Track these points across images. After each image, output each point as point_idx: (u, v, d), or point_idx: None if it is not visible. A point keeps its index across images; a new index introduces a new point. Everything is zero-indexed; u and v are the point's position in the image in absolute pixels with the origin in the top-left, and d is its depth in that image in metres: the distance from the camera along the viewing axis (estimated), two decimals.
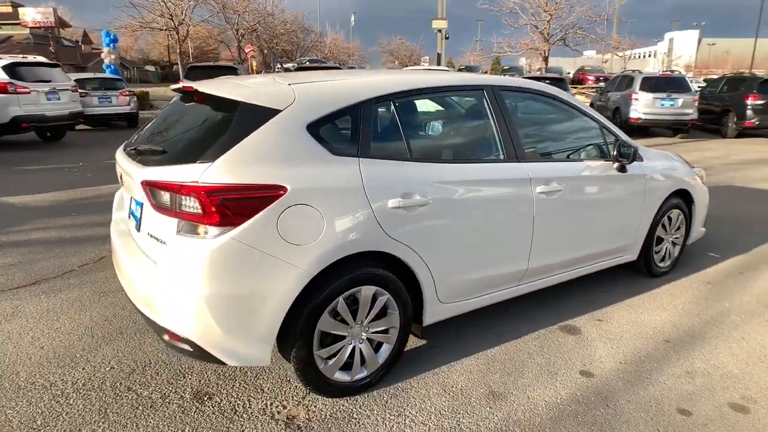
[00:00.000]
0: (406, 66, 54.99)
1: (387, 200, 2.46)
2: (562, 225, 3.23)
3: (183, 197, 2.14)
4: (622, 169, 3.50)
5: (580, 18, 18.62)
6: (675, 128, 13.60)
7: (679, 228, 4.20)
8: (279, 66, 33.98)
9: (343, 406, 2.52)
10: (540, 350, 3.06)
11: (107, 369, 2.80)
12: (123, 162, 2.63)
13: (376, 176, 2.44)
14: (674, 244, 4.21)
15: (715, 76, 14.60)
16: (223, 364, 2.27)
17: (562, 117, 3.43)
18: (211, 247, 2.11)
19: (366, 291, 2.47)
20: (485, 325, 3.30)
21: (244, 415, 2.43)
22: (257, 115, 2.28)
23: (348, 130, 2.49)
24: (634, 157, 3.40)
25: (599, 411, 2.51)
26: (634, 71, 16.54)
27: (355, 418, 2.43)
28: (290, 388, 2.64)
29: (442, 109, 3.00)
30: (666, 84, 13.19)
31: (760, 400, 2.60)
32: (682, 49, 69.50)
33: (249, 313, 2.19)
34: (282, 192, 2.18)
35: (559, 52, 25.37)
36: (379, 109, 2.58)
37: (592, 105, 16.07)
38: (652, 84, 13.11)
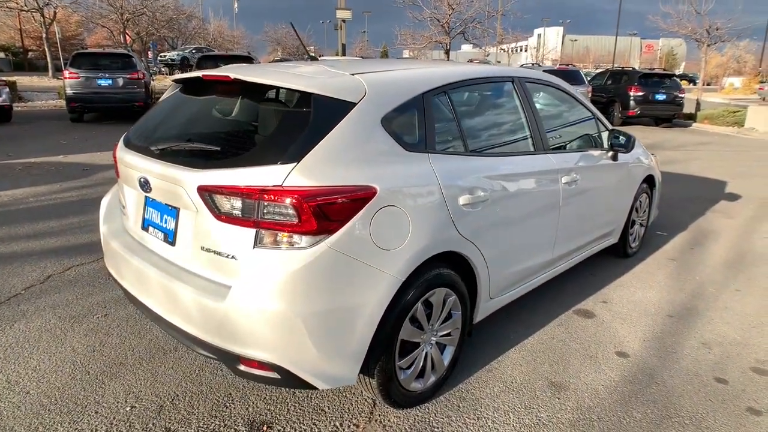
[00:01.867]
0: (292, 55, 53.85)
1: (458, 197, 2.35)
2: (577, 213, 3.34)
3: (267, 204, 1.85)
4: (614, 157, 3.70)
5: (478, 13, 19.58)
6: None
7: (645, 210, 4.56)
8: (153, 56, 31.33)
9: (417, 416, 2.38)
10: (570, 336, 3.14)
11: (128, 410, 2.39)
12: (146, 164, 2.22)
13: (446, 172, 2.32)
14: (641, 225, 4.56)
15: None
16: (313, 388, 2.03)
17: (566, 107, 3.53)
18: (306, 258, 1.86)
19: (438, 294, 2.35)
20: (507, 319, 3.32)
21: None
22: (334, 109, 2.04)
23: (413, 124, 2.33)
24: (633, 146, 3.61)
25: (653, 389, 2.64)
26: (533, 65, 17.64)
27: (438, 428, 2.31)
28: (350, 405, 2.45)
29: (481, 100, 2.94)
30: (563, 77, 14.22)
31: None
32: (548, 44, 75.86)
33: (344, 330, 1.97)
34: (373, 193, 1.98)
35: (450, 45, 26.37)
36: (438, 101, 2.45)
37: None
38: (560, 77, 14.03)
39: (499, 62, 41.12)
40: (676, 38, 75.53)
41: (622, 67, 17.46)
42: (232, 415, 2.36)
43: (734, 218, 5.82)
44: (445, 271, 2.35)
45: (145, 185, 2.25)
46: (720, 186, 7.51)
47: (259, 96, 2.28)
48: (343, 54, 18.50)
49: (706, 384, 2.69)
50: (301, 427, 2.29)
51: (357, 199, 1.94)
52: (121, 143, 2.57)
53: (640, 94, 14.34)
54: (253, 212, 1.88)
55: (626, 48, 73.43)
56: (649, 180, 4.46)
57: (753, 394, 2.62)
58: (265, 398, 2.48)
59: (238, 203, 1.91)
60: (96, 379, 2.61)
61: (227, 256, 1.97)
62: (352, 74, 2.25)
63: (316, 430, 2.28)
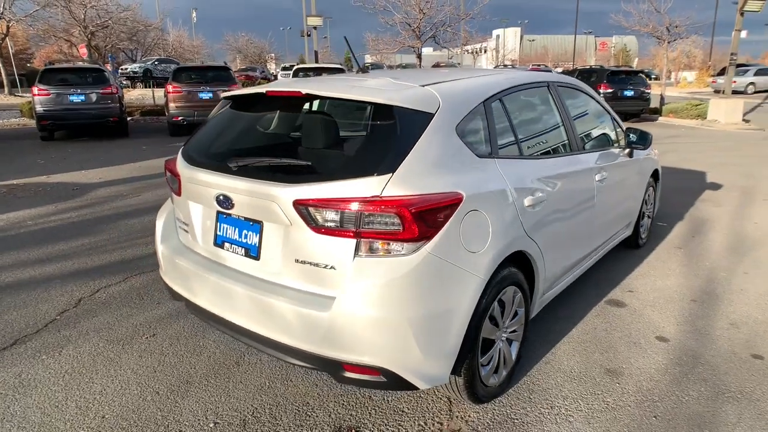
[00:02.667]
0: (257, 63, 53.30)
1: (524, 199, 2.47)
2: (606, 208, 3.53)
3: (369, 214, 1.93)
4: (630, 154, 3.92)
5: (448, 16, 19.95)
6: None
7: (652, 203, 4.81)
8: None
9: (495, 410, 2.49)
10: (610, 325, 3.31)
11: (211, 426, 2.41)
12: (226, 181, 2.26)
13: (511, 176, 2.45)
14: (648, 217, 4.81)
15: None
16: (413, 389, 2.10)
17: (588, 108, 3.72)
18: (410, 264, 1.94)
19: (508, 292, 2.46)
20: (546, 314, 3.46)
21: None
22: (416, 120, 2.14)
23: (479, 131, 2.44)
24: (650, 143, 3.82)
25: (699, 369, 2.83)
26: (498, 66, 17.95)
27: (518, 419, 2.43)
28: (427, 405, 2.54)
29: (527, 105, 3.07)
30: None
31: None
32: (507, 45, 77.60)
33: (443, 330, 2.06)
34: (460, 199, 2.08)
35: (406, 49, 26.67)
36: (495, 108, 2.57)
37: None
38: None
39: (459, 64, 41.80)
40: (628, 35, 78.50)
41: (590, 66, 18.12)
42: (318, 422, 2.41)
43: (722, 206, 6.17)
44: (513, 270, 2.47)
45: (225, 202, 2.28)
46: (700, 176, 7.92)
47: (331, 110, 2.35)
48: (316, 61, 18.53)
49: (745, 361, 2.90)
50: (388, 429, 2.37)
51: (448, 205, 2.04)
52: (182, 161, 2.59)
53: (610, 91, 14.91)
54: (354, 223, 1.95)
55: (582, 46, 75.74)
56: (654, 174, 4.70)
57: None
58: (343, 404, 2.54)
59: (337, 215, 1.98)
60: (168, 398, 2.61)
61: (325, 267, 2.04)
62: (422, 86, 2.35)
63: (404, 429, 2.36)
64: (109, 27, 20.95)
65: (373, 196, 1.94)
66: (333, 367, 2.07)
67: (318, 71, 13.98)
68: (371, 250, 1.98)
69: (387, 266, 1.95)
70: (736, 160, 9.45)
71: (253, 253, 2.28)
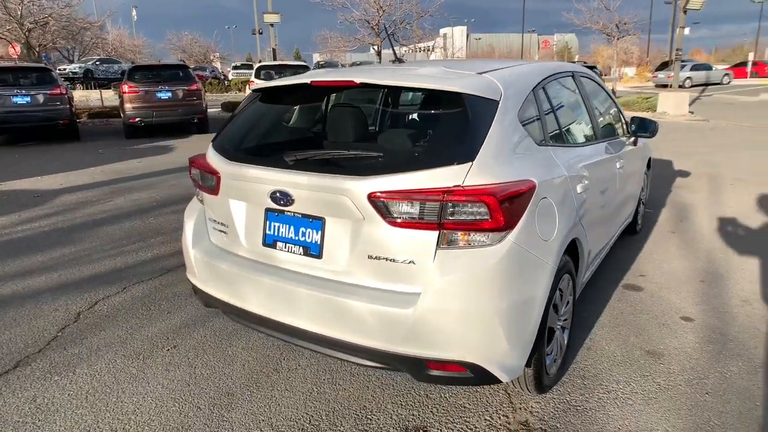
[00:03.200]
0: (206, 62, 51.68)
1: (576, 186, 2.47)
2: (624, 194, 3.60)
3: (454, 204, 1.86)
4: (635, 142, 4.02)
5: (407, 14, 19.95)
6: None
7: (645, 190, 4.97)
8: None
9: (554, 398, 2.48)
10: (634, 309, 3.38)
11: None
12: (284, 176, 2.12)
13: (564, 163, 2.44)
14: (643, 204, 4.96)
15: None
16: (497, 382, 2.05)
17: (600, 97, 3.78)
18: (497, 254, 1.89)
19: (564, 280, 2.45)
20: None
21: None
22: (484, 108, 2.08)
23: (534, 118, 2.41)
24: (656, 132, 3.93)
25: (730, 345, 2.92)
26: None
27: (579, 406, 2.42)
28: (486, 399, 2.49)
29: (561, 93, 3.07)
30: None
31: None
32: (455, 44, 78.77)
33: (524, 321, 2.02)
34: (533, 186, 2.04)
35: (363, 47, 26.50)
36: (542, 95, 2.55)
37: None
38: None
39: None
40: (569, 33, 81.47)
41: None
42: (381, 426, 2.32)
43: (698, 192, 6.47)
44: (567, 258, 2.46)
45: (282, 198, 2.15)
46: (668, 165, 8.28)
47: (390, 98, 2.25)
48: (274, 58, 18.11)
49: None
50: (456, 426, 2.30)
51: (525, 192, 1.99)
52: (220, 158, 2.42)
53: None
54: (437, 214, 1.88)
55: (526, 44, 78.00)
56: (648, 162, 4.86)
57: None
58: (401, 404, 2.46)
59: (416, 207, 1.89)
60: (212, 413, 2.44)
61: (404, 262, 1.95)
62: (479, 73, 2.30)
63: (472, 426, 2.31)
64: (48, 24, 19.68)
65: (455, 186, 1.87)
66: (415, 366, 1.99)
67: (281, 69, 13.68)
68: (454, 242, 1.90)
69: (473, 258, 1.89)
70: (693, 149, 9.95)
71: (314, 251, 2.15)
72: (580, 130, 3.03)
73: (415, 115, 2.25)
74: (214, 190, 2.47)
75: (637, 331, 3.10)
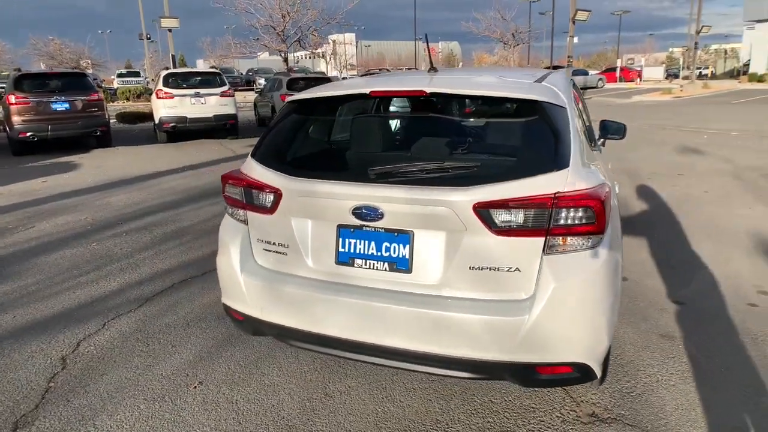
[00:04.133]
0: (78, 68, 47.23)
1: (614, 188, 2.65)
2: None
3: (561, 210, 1.91)
4: (603, 143, 4.37)
5: (314, 20, 19.71)
6: None
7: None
8: None
9: (606, 389, 2.62)
10: (626, 296, 3.67)
11: None
12: (373, 191, 2.05)
13: (603, 165, 2.60)
14: None
15: None
16: (594, 379, 2.11)
17: (580, 102, 4.06)
18: (601, 257, 1.97)
19: None
20: None
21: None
22: (560, 115, 2.16)
23: (581, 125, 2.54)
24: (625, 133, 4.29)
25: (728, 321, 3.29)
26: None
27: (632, 392, 2.59)
28: (546, 397, 2.57)
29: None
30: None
31: None
32: (344, 50, 79.60)
33: (615, 318, 2.12)
34: (610, 190, 2.16)
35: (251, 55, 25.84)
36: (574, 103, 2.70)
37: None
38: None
39: (306, 68, 41.88)
40: (453, 41, 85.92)
41: (413, 69, 19.42)
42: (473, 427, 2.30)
43: (626, 187, 7.17)
44: None
45: (368, 213, 2.05)
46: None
47: (457, 107, 2.25)
48: (174, 65, 17.01)
49: (753, 310, 3.45)
50: (536, 428, 2.36)
51: (610, 195, 2.10)
52: (278, 174, 2.25)
53: None
54: (544, 220, 1.92)
55: (413, 51, 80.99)
56: None
57: None
58: (471, 413, 2.46)
59: (522, 214, 1.92)
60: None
61: (509, 270, 1.96)
62: (536, 81, 2.38)
63: (549, 424, 2.37)
64: None
65: (556, 192, 1.93)
66: (524, 372, 2.01)
67: (190, 76, 12.92)
68: (559, 247, 1.96)
69: (581, 261, 1.96)
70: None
71: (402, 266, 2.09)
72: (590, 135, 3.24)
73: (485, 125, 2.27)
74: (269, 209, 2.30)
75: (640, 318, 3.37)
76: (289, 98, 2.55)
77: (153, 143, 12.82)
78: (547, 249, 1.95)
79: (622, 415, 2.42)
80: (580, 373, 2.03)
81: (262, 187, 2.30)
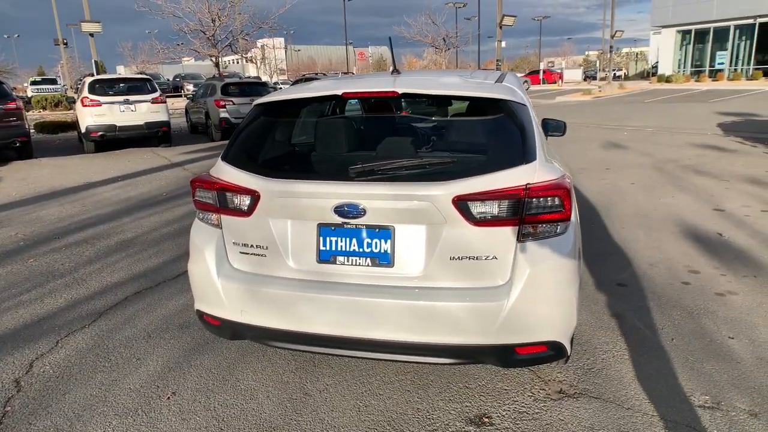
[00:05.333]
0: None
1: None
2: None
3: (533, 200, 2.05)
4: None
5: (245, 25, 19.24)
6: None
7: None
8: None
9: (570, 367, 2.81)
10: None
11: None
12: (353, 189, 2.11)
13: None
14: None
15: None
16: (565, 357, 2.27)
17: None
18: (568, 241, 2.13)
19: None
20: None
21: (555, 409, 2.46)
22: (524, 113, 2.31)
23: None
24: (565, 130, 4.57)
25: (667, 297, 3.60)
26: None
27: (593, 368, 2.79)
28: (516, 379, 2.72)
29: None
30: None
31: None
32: (274, 55, 78.44)
33: (579, 299, 2.28)
34: (571, 180, 2.33)
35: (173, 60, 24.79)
36: None
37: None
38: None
39: (236, 73, 40.98)
40: (383, 46, 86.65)
41: (347, 72, 19.65)
42: (447, 422, 2.40)
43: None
44: None
45: (350, 211, 2.11)
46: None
47: (427, 106, 2.36)
48: (97, 72, 16.07)
49: (685, 286, 3.80)
50: (510, 407, 2.49)
51: (571, 186, 2.27)
52: (258, 176, 2.26)
53: None
54: (517, 210, 2.05)
55: (343, 56, 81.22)
56: None
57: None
58: (451, 399, 2.56)
59: (498, 205, 2.05)
60: None
61: (486, 259, 2.08)
62: (497, 82, 2.52)
63: (522, 404, 2.51)
64: None
65: (527, 183, 2.07)
66: (504, 354, 2.13)
67: (118, 83, 12.34)
68: (531, 234, 2.10)
69: (552, 246, 2.11)
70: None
71: (384, 260, 2.16)
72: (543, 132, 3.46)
73: (453, 123, 2.39)
74: (246, 212, 2.29)
75: (592, 299, 3.63)
76: (258, 100, 2.55)
77: (79, 153, 12.12)
78: (521, 237, 2.09)
79: (587, 390, 2.61)
80: (554, 351, 2.19)
81: (237, 190, 2.30)
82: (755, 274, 3.96)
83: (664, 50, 28.02)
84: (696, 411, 2.43)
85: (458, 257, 2.10)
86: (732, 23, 25.43)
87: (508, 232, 2.08)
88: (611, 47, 28.27)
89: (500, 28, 17.42)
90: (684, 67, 27.51)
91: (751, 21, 24.61)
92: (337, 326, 2.18)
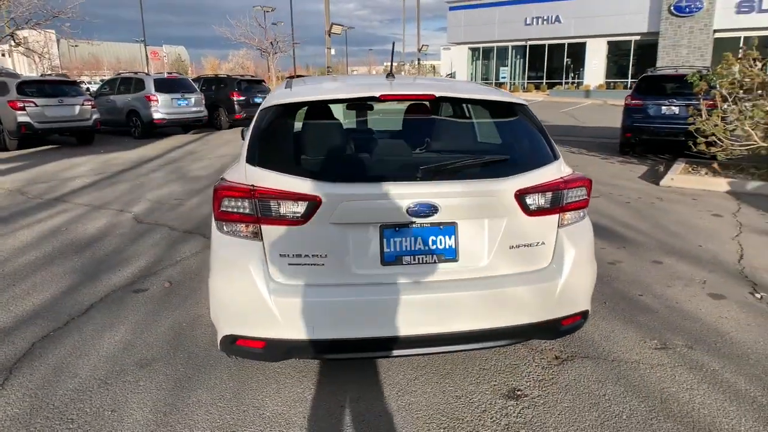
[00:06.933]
0: None
1: None
2: None
3: (569, 191, 2.35)
4: None
5: (33, 12, 15.79)
6: (191, 125, 14.90)
7: None
8: None
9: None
10: None
11: None
12: (425, 188, 2.16)
13: None
14: None
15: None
16: (586, 321, 2.59)
17: None
18: (589, 223, 2.49)
19: None
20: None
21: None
22: (534, 115, 2.59)
23: None
24: None
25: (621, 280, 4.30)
26: (137, 73, 16.22)
27: (570, 336, 3.25)
28: (516, 353, 3.03)
29: None
30: (177, 85, 14.08)
31: None
32: (47, 49, 67.34)
33: None
34: None
35: None
36: None
37: None
38: (167, 85, 13.70)
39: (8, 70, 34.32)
40: (179, 46, 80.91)
41: (216, 75, 18.51)
42: (486, 402, 2.58)
43: None
44: None
45: (423, 210, 2.14)
46: None
47: (457, 109, 2.50)
48: None
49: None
50: (529, 377, 2.77)
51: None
52: (315, 181, 2.13)
53: (242, 98, 15.91)
54: (559, 200, 2.35)
55: (135, 55, 73.66)
56: None
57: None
58: (478, 382, 2.74)
59: (546, 197, 2.31)
60: None
61: (537, 245, 2.33)
62: (499, 90, 2.78)
63: (534, 373, 2.82)
64: None
65: (562, 177, 2.38)
66: (555, 327, 2.39)
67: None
68: (567, 220, 2.41)
69: (582, 229, 2.45)
70: None
71: (449, 256, 2.25)
72: None
73: (478, 125, 2.56)
74: (300, 220, 2.14)
75: None
76: (283, 100, 2.37)
77: None
78: (561, 223, 2.39)
79: (576, 353, 3.04)
80: (584, 319, 2.54)
81: (289, 197, 2.13)
82: (624, 245, 4.96)
83: (458, 64, 32.09)
84: (655, 353, 3.03)
85: (516, 245, 2.30)
86: (510, 44, 30.25)
87: (552, 220, 2.36)
88: (419, 59, 31.20)
89: (329, 35, 17.89)
90: (476, 80, 31.93)
91: (523, 43, 29.59)
92: (414, 326, 2.20)
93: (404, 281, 2.24)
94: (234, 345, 2.28)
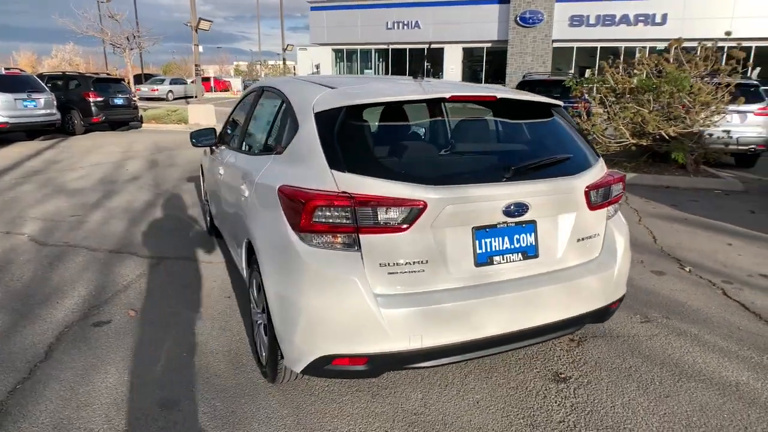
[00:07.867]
0: None
1: None
2: None
3: (612, 187, 2.58)
4: None
5: None
6: (41, 130, 12.83)
7: None
8: None
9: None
10: None
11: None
12: (516, 189, 2.22)
13: None
14: None
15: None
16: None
17: None
18: (622, 216, 2.75)
19: None
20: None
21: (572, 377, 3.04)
22: (566, 113, 2.79)
23: None
24: None
25: None
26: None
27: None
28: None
29: None
30: (22, 83, 12.08)
31: None
32: None
33: None
34: None
35: None
36: None
37: None
38: (8, 83, 11.69)
39: None
40: None
41: (64, 72, 15.94)
42: (533, 389, 2.72)
43: None
44: None
45: (516, 210, 2.20)
46: None
47: (512, 110, 2.61)
48: None
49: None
50: (560, 361, 2.98)
51: None
52: (416, 185, 2.07)
53: (100, 99, 14.10)
54: (608, 195, 2.58)
55: None
56: None
57: None
58: (521, 370, 2.88)
59: (602, 192, 2.52)
60: None
61: (594, 236, 2.54)
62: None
63: (562, 359, 3.04)
64: None
65: (606, 173, 2.61)
66: (606, 312, 2.61)
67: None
68: (611, 213, 2.65)
69: (621, 220, 2.71)
70: None
71: (531, 252, 2.34)
72: None
73: (541, 123, 2.66)
74: (402, 226, 2.06)
75: None
76: (355, 101, 2.22)
77: None
78: (608, 215, 2.62)
79: (586, 334, 3.33)
80: (621, 302, 2.80)
81: (392, 203, 2.04)
82: None
83: (323, 64, 32.11)
84: (644, 326, 3.45)
85: (581, 238, 2.47)
86: (373, 47, 31.06)
87: (603, 213, 2.58)
88: (284, 60, 30.46)
89: (196, 31, 16.66)
90: None
91: (384, 46, 30.60)
92: (508, 324, 2.24)
93: (496, 281, 2.28)
94: (328, 366, 2.10)
